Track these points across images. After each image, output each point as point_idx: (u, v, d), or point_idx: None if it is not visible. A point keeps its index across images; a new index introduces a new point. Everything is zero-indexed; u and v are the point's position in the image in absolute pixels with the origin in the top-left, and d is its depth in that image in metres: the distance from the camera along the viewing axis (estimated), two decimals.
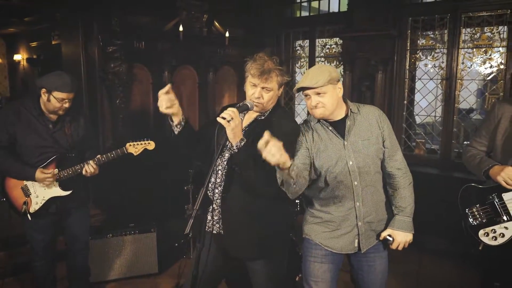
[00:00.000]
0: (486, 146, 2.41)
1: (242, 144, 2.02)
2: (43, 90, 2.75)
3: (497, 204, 2.24)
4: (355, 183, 2.11)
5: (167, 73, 5.06)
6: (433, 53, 4.69)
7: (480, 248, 2.31)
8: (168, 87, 2.11)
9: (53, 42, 7.25)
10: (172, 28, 4.88)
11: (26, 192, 2.85)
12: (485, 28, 4.30)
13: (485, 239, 2.29)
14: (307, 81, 2.08)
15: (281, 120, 2.21)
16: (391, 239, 2.15)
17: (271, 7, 5.90)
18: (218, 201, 2.22)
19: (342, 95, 2.18)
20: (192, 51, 5.18)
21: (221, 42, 5.35)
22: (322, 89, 2.06)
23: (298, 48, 5.93)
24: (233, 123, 1.98)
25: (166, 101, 2.09)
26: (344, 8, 5.36)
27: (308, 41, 5.76)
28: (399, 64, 4.87)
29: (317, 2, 5.69)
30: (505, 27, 4.16)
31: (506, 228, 2.21)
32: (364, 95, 5.05)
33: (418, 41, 4.81)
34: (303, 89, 2.10)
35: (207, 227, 2.28)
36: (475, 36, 4.38)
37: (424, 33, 4.74)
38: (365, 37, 4.82)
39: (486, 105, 4.62)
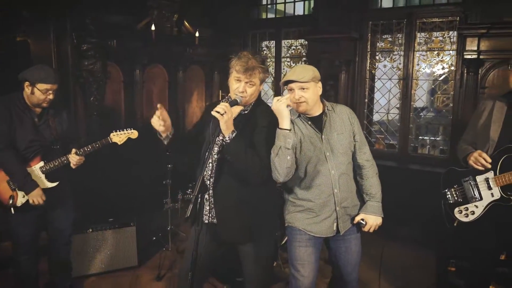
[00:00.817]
0: (472, 139, 2.71)
1: (233, 135, 2.19)
2: (26, 83, 2.79)
3: (471, 185, 2.57)
4: (332, 172, 2.35)
5: (138, 71, 5.13)
6: (391, 55, 5.08)
7: (455, 224, 2.64)
8: (159, 110, 2.23)
9: (18, 39, 7.02)
10: (143, 27, 4.96)
11: (12, 186, 2.87)
12: (438, 32, 4.72)
13: (459, 216, 2.61)
14: (294, 75, 2.29)
15: (265, 114, 2.40)
16: (364, 222, 2.40)
17: (238, 9, 6.10)
18: (210, 191, 2.38)
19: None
20: (162, 50, 5.28)
21: (191, 41, 5.48)
22: (306, 85, 2.29)
23: (265, 48, 6.17)
24: (226, 116, 2.15)
25: (159, 125, 2.25)
26: (308, 11, 5.66)
27: (274, 42, 6.01)
28: (360, 65, 5.23)
29: (282, 5, 5.95)
30: (455, 32, 4.61)
31: (476, 206, 2.54)
32: (328, 93, 5.35)
33: (378, 44, 5.18)
34: (289, 82, 2.31)
35: (192, 225, 2.43)
36: (429, 40, 4.80)
37: (383, 37, 5.11)
38: (330, 39, 5.13)
39: (438, 103, 5.06)
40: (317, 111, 2.41)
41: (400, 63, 5.01)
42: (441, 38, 4.72)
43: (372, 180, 2.45)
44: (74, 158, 2.91)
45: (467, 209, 2.56)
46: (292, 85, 2.31)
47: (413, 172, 4.81)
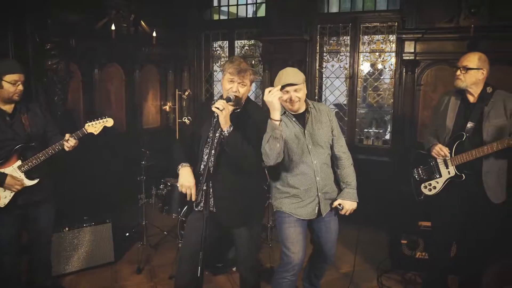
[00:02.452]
0: (435, 128, 3.12)
1: (231, 129, 2.46)
2: None
3: (433, 165, 3.03)
4: (315, 162, 2.69)
5: (97, 71, 5.12)
6: (338, 55, 5.58)
7: (422, 197, 3.09)
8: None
9: None
10: (102, 26, 4.97)
11: None
12: (379, 36, 5.29)
13: (424, 191, 3.07)
14: (291, 79, 2.59)
15: (255, 110, 2.69)
16: (341, 207, 2.76)
17: (191, 10, 6.27)
18: (209, 182, 2.62)
19: None
20: (119, 49, 5.31)
21: (147, 41, 5.57)
22: (299, 86, 2.62)
23: (218, 48, 6.40)
24: (224, 111, 2.41)
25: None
26: (260, 14, 6.00)
27: (227, 42, 6.27)
28: (310, 64, 5.66)
29: (235, 7, 6.22)
30: (394, 35, 5.20)
31: (437, 182, 3.01)
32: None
33: (326, 45, 5.65)
34: (286, 85, 2.59)
35: (198, 207, 2.65)
36: (372, 42, 5.35)
37: (330, 39, 5.59)
38: (283, 40, 5.51)
39: (370, 99, 5.61)
40: (301, 108, 2.73)
41: (346, 63, 5.51)
42: (382, 41, 5.29)
43: (349, 170, 2.83)
44: (72, 142, 2.93)
45: (430, 184, 3.04)
46: (287, 88, 2.61)
47: (360, 161, 5.32)
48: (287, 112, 2.72)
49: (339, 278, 3.70)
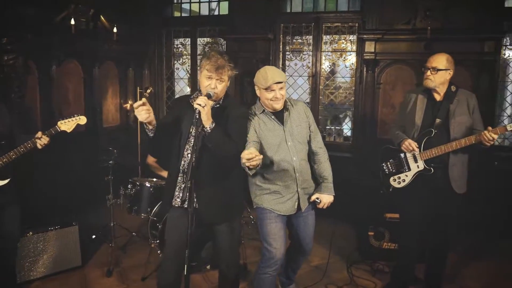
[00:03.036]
0: (402, 125, 3.28)
1: (213, 125, 2.46)
2: None
3: (403, 159, 3.17)
4: (294, 158, 2.75)
5: (55, 67, 4.89)
6: (301, 54, 5.69)
7: (390, 190, 3.23)
8: (143, 99, 2.35)
9: None
10: (60, 21, 4.75)
11: None
12: (341, 36, 5.46)
13: (394, 184, 3.20)
14: (278, 77, 2.62)
15: (234, 106, 2.70)
16: (318, 200, 2.85)
17: (152, 6, 6.14)
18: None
19: None
20: (78, 45, 5.11)
21: (107, 37, 5.40)
22: (283, 84, 2.67)
23: (180, 46, 6.31)
24: (206, 108, 2.41)
25: (145, 112, 2.31)
26: (223, 12, 5.99)
27: (189, 39, 6.20)
28: (274, 63, 5.73)
29: (197, 4, 6.17)
30: (355, 36, 5.39)
31: (406, 176, 3.15)
32: (246, 89, 5.78)
33: (289, 44, 5.74)
34: (275, 83, 2.61)
35: (178, 204, 2.63)
36: (333, 42, 5.51)
37: (294, 38, 5.69)
38: (247, 39, 5.55)
39: (337, 98, 5.81)
40: (281, 106, 2.78)
41: (309, 62, 5.64)
42: (343, 41, 5.46)
43: (325, 165, 2.91)
44: (44, 139, 2.85)
45: (399, 178, 3.19)
46: (274, 86, 2.64)
47: None
48: (266, 110, 2.76)
49: (311, 271, 3.79)
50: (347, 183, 5.11)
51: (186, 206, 2.60)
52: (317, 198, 2.84)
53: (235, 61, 5.58)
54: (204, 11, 6.23)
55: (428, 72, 3.00)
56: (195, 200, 2.59)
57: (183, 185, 2.61)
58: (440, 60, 2.97)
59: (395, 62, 5.09)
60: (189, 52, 6.25)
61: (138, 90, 5.85)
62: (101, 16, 5.31)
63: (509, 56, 4.95)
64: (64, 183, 4.69)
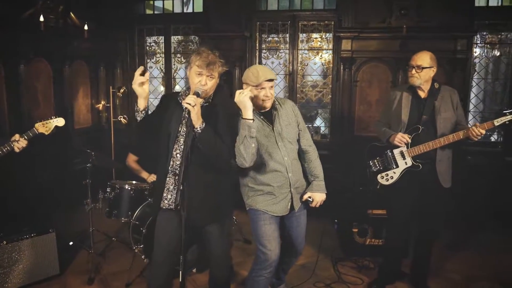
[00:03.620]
0: (388, 121, 3.32)
1: (203, 125, 2.39)
2: None
3: (390, 156, 3.20)
4: (285, 158, 2.71)
5: (23, 66, 4.65)
6: (277, 53, 5.67)
7: (378, 187, 3.25)
8: (142, 67, 2.36)
9: None
10: (28, 17, 4.52)
11: None
12: (316, 34, 5.48)
13: (381, 181, 3.23)
14: (270, 75, 2.58)
15: (224, 104, 2.63)
16: (311, 199, 2.81)
17: (124, 3, 5.95)
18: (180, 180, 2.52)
19: None
20: (47, 43, 4.88)
21: (77, 34, 5.19)
22: (273, 83, 2.64)
23: (153, 44, 6.15)
24: (196, 107, 2.33)
25: (141, 79, 2.33)
26: (197, 9, 5.88)
27: (163, 37, 6.05)
28: (250, 61, 5.69)
29: (170, 2, 6.03)
30: (331, 34, 5.42)
31: (394, 173, 3.19)
32: (222, 88, 5.68)
33: (265, 43, 5.71)
34: (266, 81, 2.56)
35: (166, 206, 2.54)
36: (310, 40, 5.53)
37: (270, 36, 5.67)
38: (223, 37, 5.47)
39: (317, 96, 5.84)
40: (269, 106, 2.74)
41: (286, 60, 5.63)
42: (319, 39, 5.49)
43: (316, 163, 2.88)
44: (22, 142, 2.75)
45: (387, 175, 3.22)
46: (265, 84, 2.59)
47: None
48: (254, 110, 2.70)
49: (298, 270, 3.77)
50: (325, 180, 5.17)
51: (174, 207, 2.53)
52: (309, 197, 2.81)
53: None
54: (178, 9, 6.10)
55: (413, 71, 3.05)
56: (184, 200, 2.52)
57: (171, 187, 2.53)
58: (424, 58, 3.02)
59: (371, 60, 5.16)
60: (163, 50, 6.09)
61: (111, 90, 5.69)
62: (71, 13, 5.10)
63: (479, 54, 5.13)
64: (37, 188, 4.47)
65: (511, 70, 5.08)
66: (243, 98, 2.42)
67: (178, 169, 2.50)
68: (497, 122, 2.81)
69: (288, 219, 2.88)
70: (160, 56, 6.13)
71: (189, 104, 2.28)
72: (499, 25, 5.04)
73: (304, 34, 5.55)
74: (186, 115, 2.41)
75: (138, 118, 2.43)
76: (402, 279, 3.54)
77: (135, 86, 2.35)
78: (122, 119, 5.77)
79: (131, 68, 6.14)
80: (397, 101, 3.20)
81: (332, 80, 5.51)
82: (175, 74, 6.14)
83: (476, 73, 5.18)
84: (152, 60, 6.19)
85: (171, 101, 2.63)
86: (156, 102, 6.34)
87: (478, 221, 4.77)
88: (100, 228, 4.21)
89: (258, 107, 2.67)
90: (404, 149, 3.10)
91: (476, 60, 5.17)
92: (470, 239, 4.46)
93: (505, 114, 2.79)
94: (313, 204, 2.84)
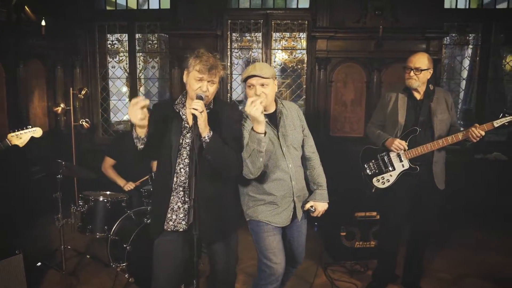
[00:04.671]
0: (381, 124, 3.25)
1: (211, 134, 2.18)
2: None
3: (386, 159, 3.13)
4: (290, 165, 2.54)
5: None
6: (250, 52, 5.50)
7: (373, 190, 3.17)
8: (143, 100, 2.02)
9: None
10: None
11: None
12: (290, 33, 5.37)
13: (377, 184, 3.15)
14: (256, 71, 2.38)
15: (227, 110, 2.42)
16: (313, 209, 2.67)
17: None
18: (184, 198, 2.28)
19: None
20: None
21: (32, 31, 4.73)
22: (266, 81, 2.40)
23: (116, 42, 5.75)
24: (204, 114, 2.12)
25: (142, 113, 2.01)
26: (164, 6, 5.57)
27: (126, 35, 5.68)
28: (222, 60, 5.42)
29: None
30: (305, 33, 5.33)
31: (391, 175, 3.12)
32: (218, 93, 5.44)
33: (237, 42, 5.52)
34: (251, 77, 2.38)
35: (171, 227, 2.30)
36: (283, 39, 5.40)
37: (242, 35, 5.48)
38: (193, 35, 5.21)
39: (291, 97, 5.74)
40: (272, 108, 2.55)
41: (259, 60, 5.46)
42: (293, 38, 5.38)
43: (319, 170, 2.74)
44: None
45: (383, 178, 3.15)
46: (252, 81, 2.40)
47: None
48: None
49: (292, 280, 3.63)
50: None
51: (181, 230, 2.30)
52: (311, 206, 2.68)
53: (179, 59, 5.31)
54: (142, 5, 5.74)
55: (412, 73, 3.00)
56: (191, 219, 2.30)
57: (176, 206, 2.30)
58: (423, 60, 2.99)
59: (346, 60, 5.13)
60: (127, 49, 5.71)
61: (71, 92, 5.26)
62: (25, 7, 4.61)
63: (448, 55, 5.26)
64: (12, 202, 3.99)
65: (478, 70, 5.25)
66: (254, 112, 2.19)
67: (183, 185, 2.28)
68: (497, 123, 2.82)
69: (289, 229, 2.71)
70: (124, 55, 5.74)
71: (197, 110, 2.06)
72: (467, 26, 5.20)
73: (277, 34, 5.42)
74: (186, 124, 2.22)
75: (140, 146, 2.16)
76: (394, 281, 3.51)
77: (136, 120, 2.03)
78: (84, 123, 5.37)
79: (91, 67, 5.71)
80: (393, 103, 3.15)
81: (306, 81, 5.43)
82: (140, 74, 5.78)
83: (445, 73, 5.30)
84: (115, 59, 5.78)
85: (165, 110, 2.37)
86: (119, 105, 5.95)
87: (456, 219, 4.89)
88: (72, 245, 3.83)
89: None
90: (401, 151, 3.05)
91: (446, 61, 5.30)
92: (452, 238, 4.54)
93: (504, 116, 2.80)
94: (315, 214, 2.70)
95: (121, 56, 5.76)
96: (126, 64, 5.75)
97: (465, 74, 5.42)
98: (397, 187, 3.14)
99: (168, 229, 2.30)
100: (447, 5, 5.15)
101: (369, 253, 3.95)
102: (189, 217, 2.00)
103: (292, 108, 2.67)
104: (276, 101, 2.59)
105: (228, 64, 5.52)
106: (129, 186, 3.94)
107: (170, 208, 2.29)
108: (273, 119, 2.55)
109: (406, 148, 3.01)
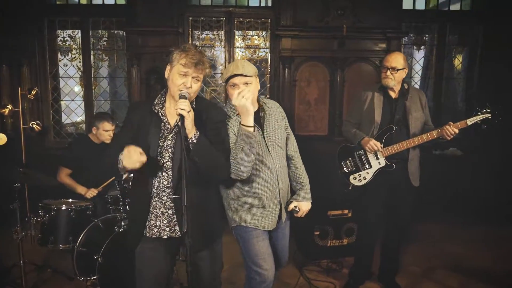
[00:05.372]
0: (357, 122, 3.26)
1: (197, 134, 2.05)
2: None
3: (363, 157, 3.14)
4: (277, 165, 2.46)
5: None
6: (212, 50, 5.37)
7: (350, 188, 3.17)
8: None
9: None
10: None
11: None
12: (253, 31, 5.30)
13: (354, 182, 3.17)
14: (240, 69, 2.28)
15: (211, 109, 2.29)
16: (297, 209, 2.61)
17: None
18: (168, 203, 2.15)
19: None
20: None
21: None
22: (250, 79, 2.31)
23: (68, 39, 5.38)
24: (191, 113, 2.00)
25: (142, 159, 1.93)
26: (120, 1, 5.30)
27: (79, 31, 5.33)
28: None
29: None
30: (268, 32, 5.29)
31: (367, 173, 3.14)
32: (153, 88, 5.23)
33: (198, 40, 5.36)
34: (234, 76, 2.28)
35: (155, 234, 2.16)
36: (246, 38, 5.32)
37: (204, 33, 5.33)
38: (153, 32, 4.99)
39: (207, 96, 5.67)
40: (255, 107, 2.45)
41: (222, 59, 5.36)
42: (256, 37, 5.32)
43: (302, 170, 2.69)
44: None
45: (360, 175, 3.17)
46: (235, 80, 2.30)
47: None
48: None
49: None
50: None
51: (165, 237, 2.16)
52: (295, 207, 2.62)
53: (138, 57, 5.08)
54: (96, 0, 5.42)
55: (388, 72, 3.04)
56: (176, 226, 2.17)
57: (159, 211, 2.15)
58: (399, 60, 3.04)
59: (310, 59, 5.14)
60: (80, 46, 5.37)
61: (20, 92, 4.85)
62: None
63: (406, 54, 5.43)
64: None
65: (434, 70, 5.48)
66: (244, 102, 2.12)
67: (165, 190, 2.14)
68: (470, 121, 2.92)
69: (274, 231, 2.63)
70: (77, 53, 5.39)
71: (183, 110, 1.94)
72: (424, 27, 5.40)
73: (240, 32, 5.33)
74: (167, 125, 2.11)
75: (124, 175, 2.03)
76: (370, 278, 3.55)
77: (132, 167, 1.95)
78: (34, 125, 5.00)
79: (40, 66, 5.30)
80: (369, 101, 3.18)
81: (270, 79, 5.39)
82: (95, 73, 5.46)
83: None
84: (67, 57, 5.41)
85: (142, 111, 2.21)
86: (73, 106, 5.58)
87: (419, 214, 5.05)
88: (30, 258, 3.52)
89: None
90: (377, 151, 3.09)
91: None
92: (416, 232, 4.67)
93: (477, 114, 2.90)
94: (299, 214, 2.64)
95: (74, 54, 5.40)
96: (80, 62, 5.40)
97: (422, 73, 5.63)
98: (373, 185, 3.17)
99: (153, 236, 2.15)
100: (405, 6, 5.31)
101: (342, 251, 3.98)
102: (184, 224, 1.87)
103: (274, 106, 2.59)
104: (258, 100, 2.51)
105: None
106: (92, 193, 3.68)
107: (153, 215, 2.15)
108: (257, 118, 2.43)
109: (381, 149, 3.05)
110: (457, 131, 2.90)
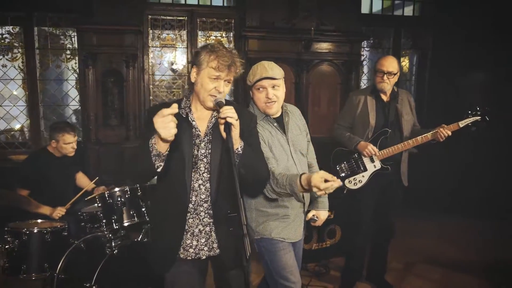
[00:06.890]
0: (349, 125, 3.23)
1: (243, 144, 1.85)
2: None
3: (358, 161, 3.13)
4: (300, 172, 2.35)
5: None
6: (174, 51, 5.10)
7: (345, 192, 3.15)
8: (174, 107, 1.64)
9: None
10: None
11: None
12: (217, 32, 5.13)
13: (349, 185, 3.14)
14: (268, 72, 2.16)
15: (244, 113, 2.02)
16: (316, 218, 2.51)
17: None
18: (206, 219, 1.95)
19: None
20: None
21: None
22: (278, 82, 2.19)
23: (7, 36, 4.77)
24: (238, 122, 1.81)
25: (174, 124, 1.64)
26: None
27: (22, 28, 4.76)
28: (142, 59, 4.96)
29: None
30: (232, 32, 5.15)
31: (363, 176, 3.14)
32: (111, 90, 4.85)
33: (159, 39, 5.05)
34: (261, 79, 2.15)
35: (192, 255, 1.95)
36: (209, 38, 5.13)
37: (164, 32, 5.04)
38: (110, 30, 4.62)
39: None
40: (279, 112, 2.33)
41: (183, 60, 5.11)
42: (220, 37, 5.15)
43: None
44: None
45: (355, 179, 3.17)
46: (264, 83, 2.17)
47: None
48: (268, 116, 2.28)
49: None
50: None
51: (204, 257, 1.96)
52: (314, 215, 2.54)
53: (93, 58, 4.68)
54: None
55: (385, 77, 3.06)
56: (216, 244, 1.97)
57: (196, 230, 1.94)
58: (394, 65, 3.08)
59: (276, 60, 4.96)
60: (23, 44, 4.79)
61: None
62: None
63: (366, 56, 5.62)
64: None
65: None
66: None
67: (204, 205, 1.93)
68: (462, 124, 3.04)
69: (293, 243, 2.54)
70: (19, 52, 4.81)
71: (232, 117, 1.72)
72: (380, 31, 5.62)
73: (202, 32, 5.12)
74: (198, 132, 1.90)
75: (159, 164, 1.75)
76: (360, 279, 3.59)
77: (168, 135, 1.64)
78: None
79: None
80: (362, 105, 3.19)
81: (235, 81, 5.24)
82: (40, 75, 4.91)
83: (364, 74, 5.65)
84: (7, 57, 4.80)
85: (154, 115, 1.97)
86: (14, 111, 4.97)
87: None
88: None
89: (264, 112, 2.25)
90: (373, 156, 3.12)
91: (364, 63, 5.64)
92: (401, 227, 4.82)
93: (468, 116, 3.03)
94: (317, 223, 2.56)
95: (15, 53, 4.81)
96: (22, 62, 4.82)
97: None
98: (366, 189, 3.20)
99: (188, 258, 1.94)
100: (364, 10, 5.47)
101: (326, 253, 3.99)
102: (245, 246, 1.66)
103: (295, 111, 2.46)
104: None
105: (150, 63, 5.03)
106: (59, 212, 3.22)
107: (190, 233, 1.93)
108: (281, 123, 2.32)
109: (378, 153, 3.08)
110: (450, 133, 3.01)
